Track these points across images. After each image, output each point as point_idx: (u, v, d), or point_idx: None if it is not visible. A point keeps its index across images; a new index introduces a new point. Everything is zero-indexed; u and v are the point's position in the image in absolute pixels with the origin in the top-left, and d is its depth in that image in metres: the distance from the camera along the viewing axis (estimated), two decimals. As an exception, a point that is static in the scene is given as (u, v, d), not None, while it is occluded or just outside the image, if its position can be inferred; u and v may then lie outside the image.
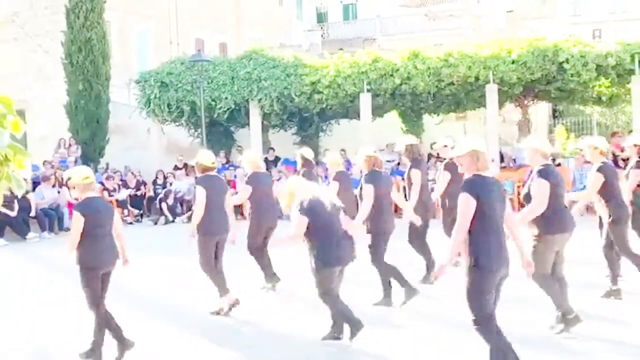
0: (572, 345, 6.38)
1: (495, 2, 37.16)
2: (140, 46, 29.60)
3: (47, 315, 8.51)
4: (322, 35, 39.14)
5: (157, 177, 20.36)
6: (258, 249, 9.05)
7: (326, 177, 10.97)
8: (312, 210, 6.34)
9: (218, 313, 7.95)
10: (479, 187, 5.15)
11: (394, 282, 8.06)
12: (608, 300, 7.96)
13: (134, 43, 29.31)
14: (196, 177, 8.31)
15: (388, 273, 8.01)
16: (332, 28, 41.00)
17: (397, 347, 6.55)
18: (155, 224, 18.62)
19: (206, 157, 8.20)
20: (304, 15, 43.74)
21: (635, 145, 9.79)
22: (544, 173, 6.51)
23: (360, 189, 8.08)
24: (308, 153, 10.49)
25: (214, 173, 8.25)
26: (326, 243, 6.36)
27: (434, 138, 17.30)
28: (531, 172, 6.83)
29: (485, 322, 5.14)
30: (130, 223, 18.86)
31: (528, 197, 6.64)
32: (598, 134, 23.30)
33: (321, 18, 44.68)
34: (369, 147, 8.49)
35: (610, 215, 7.98)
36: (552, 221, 6.50)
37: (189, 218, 10.28)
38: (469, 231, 5.12)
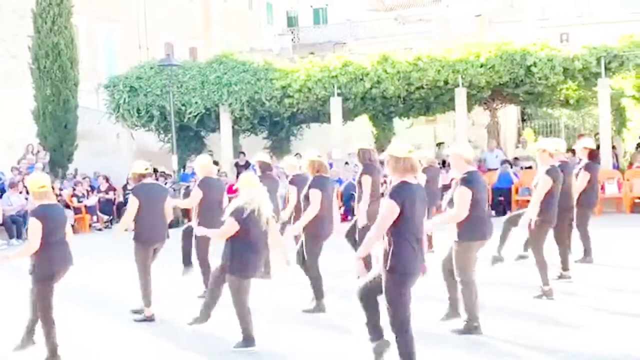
0: (501, 345, 6.43)
1: (464, 6, 37.45)
2: (108, 51, 29.37)
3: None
4: (292, 40, 39.15)
5: (127, 183, 20.16)
6: (205, 259, 8.79)
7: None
8: (246, 221, 6.41)
9: (147, 319, 7.90)
10: (404, 194, 5.21)
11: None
12: (559, 281, 8.47)
13: (102, 48, 29.07)
14: (132, 188, 8.28)
15: (317, 278, 7.91)
16: (302, 32, 41.00)
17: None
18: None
19: (139, 165, 8.19)
20: (274, 19, 43.74)
21: (585, 148, 10.01)
22: (467, 181, 6.54)
23: (307, 193, 7.92)
24: (264, 157, 10.53)
25: (151, 181, 8.26)
26: (247, 254, 6.44)
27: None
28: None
29: (402, 325, 5.22)
30: (100, 229, 18.69)
31: (452, 204, 6.68)
32: (566, 136, 23.64)
33: (291, 22, 44.70)
34: (312, 151, 8.29)
35: (539, 216, 8.04)
36: (472, 228, 6.55)
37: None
38: (391, 235, 5.21)
